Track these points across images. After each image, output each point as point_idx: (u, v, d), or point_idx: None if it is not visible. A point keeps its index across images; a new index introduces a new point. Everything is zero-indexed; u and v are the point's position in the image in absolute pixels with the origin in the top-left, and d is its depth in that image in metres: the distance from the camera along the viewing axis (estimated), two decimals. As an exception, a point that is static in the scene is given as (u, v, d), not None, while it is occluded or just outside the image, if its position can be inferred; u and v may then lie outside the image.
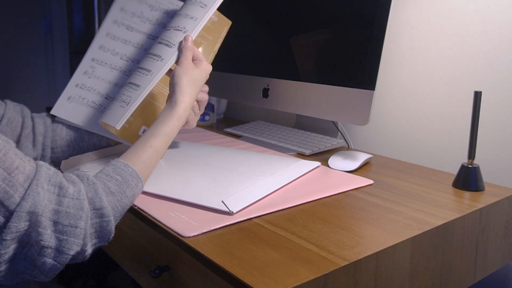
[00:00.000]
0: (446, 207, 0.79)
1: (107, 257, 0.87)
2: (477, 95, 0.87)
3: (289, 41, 1.16)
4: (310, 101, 1.10)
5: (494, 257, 0.86)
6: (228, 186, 0.81)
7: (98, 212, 0.63)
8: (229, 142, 1.19)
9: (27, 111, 0.96)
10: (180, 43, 0.87)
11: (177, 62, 0.87)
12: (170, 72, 0.86)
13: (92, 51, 1.04)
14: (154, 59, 0.88)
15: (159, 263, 0.69)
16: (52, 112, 1.00)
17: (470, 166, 0.89)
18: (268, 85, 1.21)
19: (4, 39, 2.78)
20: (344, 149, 1.17)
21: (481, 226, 0.81)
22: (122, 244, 0.81)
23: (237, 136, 1.28)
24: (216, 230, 0.67)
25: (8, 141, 0.60)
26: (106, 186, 0.66)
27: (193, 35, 0.89)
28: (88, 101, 1.01)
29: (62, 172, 0.85)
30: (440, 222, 0.73)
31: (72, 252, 0.60)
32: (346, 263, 0.59)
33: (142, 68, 0.89)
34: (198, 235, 0.65)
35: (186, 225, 0.68)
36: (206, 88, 0.91)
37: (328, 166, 1.00)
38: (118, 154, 0.93)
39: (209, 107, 1.46)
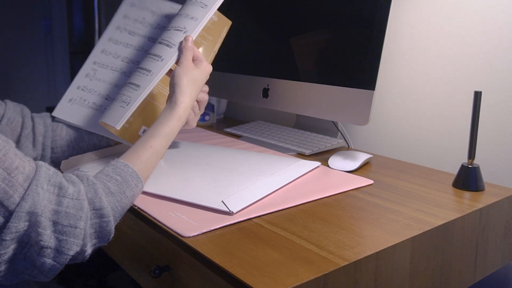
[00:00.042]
0: (446, 207, 0.79)
1: (107, 257, 0.87)
2: (477, 95, 0.87)
3: (289, 41, 1.16)
4: (310, 101, 1.10)
5: (494, 257, 0.86)
6: (228, 186, 0.81)
7: (98, 213, 0.63)
8: (229, 142, 1.19)
9: (27, 111, 0.97)
10: (181, 43, 0.87)
11: (177, 62, 0.87)
12: (171, 72, 0.86)
13: (94, 55, 1.06)
14: (154, 59, 0.88)
15: (159, 263, 0.69)
16: (54, 114, 1.01)
17: (470, 166, 0.89)
18: (268, 85, 1.21)
19: (4, 39, 2.78)
20: (344, 149, 1.17)
21: (481, 226, 0.81)
22: (122, 244, 0.81)
23: (237, 136, 1.28)
24: (216, 230, 0.67)
25: (8, 141, 0.60)
26: (106, 186, 0.66)
27: (194, 36, 0.89)
28: (89, 103, 1.01)
29: (62, 172, 0.85)
30: (440, 222, 0.73)
31: (71, 253, 0.60)
32: (346, 263, 0.59)
33: (142, 68, 0.89)
34: (198, 235, 0.65)
35: (186, 225, 0.68)
36: (206, 88, 0.91)
37: (328, 166, 1.00)
38: (118, 154, 0.93)
39: (209, 107, 1.46)
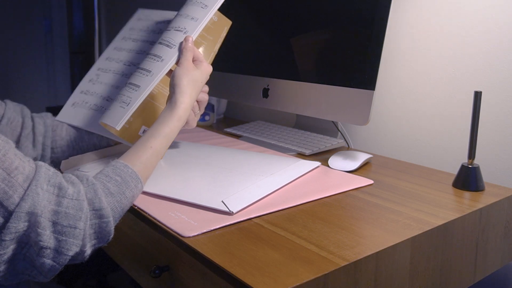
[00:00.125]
0: (446, 207, 0.79)
1: (107, 257, 0.87)
2: (477, 95, 0.87)
3: (289, 41, 1.16)
4: (310, 101, 1.10)
5: (494, 257, 0.86)
6: (228, 186, 0.81)
7: (98, 213, 0.63)
8: (229, 142, 1.19)
9: (27, 111, 0.97)
10: (181, 43, 0.87)
11: (177, 62, 0.87)
12: (171, 73, 0.86)
13: (99, 62, 1.11)
14: (155, 59, 0.88)
15: (159, 263, 0.69)
16: (57, 118, 1.02)
17: (470, 166, 0.89)
18: (268, 85, 1.21)
19: (4, 39, 2.78)
20: (344, 149, 1.17)
21: (481, 226, 0.81)
22: (122, 244, 0.81)
23: (237, 136, 1.28)
24: (216, 230, 0.67)
25: (8, 141, 0.60)
26: (105, 187, 0.66)
27: (194, 36, 0.89)
28: (90, 105, 1.02)
29: (62, 172, 0.85)
30: (440, 222, 0.73)
31: (71, 253, 0.60)
32: (346, 263, 0.59)
33: (142, 69, 0.89)
34: (198, 235, 0.65)
35: (186, 225, 0.68)
36: (206, 88, 0.91)
37: (328, 166, 1.00)
38: (118, 154, 0.93)
39: (209, 107, 1.46)
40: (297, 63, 1.15)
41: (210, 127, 1.42)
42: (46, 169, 0.62)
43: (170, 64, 0.87)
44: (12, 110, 0.93)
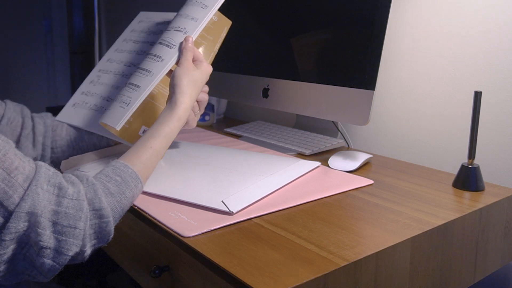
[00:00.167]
0: (446, 207, 0.79)
1: (107, 257, 0.87)
2: (477, 95, 0.87)
3: (289, 41, 1.16)
4: (310, 101, 1.10)
5: (494, 257, 0.86)
6: (228, 186, 0.81)
7: (98, 213, 0.63)
8: (229, 142, 1.19)
9: (27, 111, 0.97)
10: (181, 44, 0.87)
11: (177, 63, 0.87)
12: (171, 73, 0.86)
13: (100, 64, 1.12)
14: (155, 59, 0.88)
15: (159, 263, 0.69)
16: (57, 118, 1.02)
17: (470, 166, 0.89)
18: (268, 85, 1.21)
19: (4, 39, 2.78)
20: (344, 149, 1.17)
21: (481, 226, 0.81)
22: (122, 244, 0.81)
23: (237, 136, 1.28)
24: (216, 230, 0.67)
25: (8, 141, 0.60)
26: (105, 187, 0.66)
27: (194, 36, 0.89)
28: (90, 105, 1.03)
29: (62, 172, 0.85)
30: (440, 222, 0.73)
31: (71, 253, 0.60)
32: (346, 263, 0.59)
33: (142, 69, 0.89)
34: (198, 235, 0.65)
35: (186, 225, 0.68)
36: (206, 88, 0.91)
37: (328, 166, 1.00)
38: (118, 154, 0.93)
39: (209, 107, 1.46)
40: (297, 63, 1.15)
41: (210, 127, 1.42)
42: (46, 169, 0.62)
43: (170, 64, 0.87)
44: (12, 110, 0.93)
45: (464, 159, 0.95)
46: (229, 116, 1.65)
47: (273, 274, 0.55)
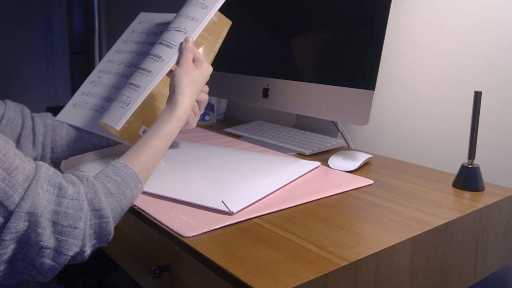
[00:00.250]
0: (446, 207, 0.79)
1: (107, 257, 0.87)
2: (477, 95, 0.87)
3: (289, 41, 1.16)
4: (310, 101, 1.10)
5: (494, 257, 0.86)
6: (228, 186, 0.81)
7: (97, 213, 0.63)
8: (229, 142, 1.19)
9: (27, 111, 0.97)
10: (181, 44, 0.87)
11: (177, 63, 0.87)
12: (171, 73, 0.86)
13: (101, 65, 1.12)
14: (155, 59, 0.88)
15: (159, 263, 0.69)
16: (57, 118, 1.02)
17: (470, 166, 0.89)
18: (268, 85, 1.21)
19: (4, 39, 2.78)
20: (344, 149, 1.17)
21: (481, 226, 0.81)
22: (122, 244, 0.81)
23: (237, 136, 1.28)
24: (216, 230, 0.67)
25: (8, 141, 0.60)
26: (105, 187, 0.66)
27: (194, 36, 0.89)
28: (90, 105, 1.03)
29: (62, 172, 0.85)
30: (440, 222, 0.73)
31: (71, 253, 0.60)
32: (346, 263, 0.59)
33: (142, 69, 0.89)
34: (198, 235, 0.65)
35: (186, 225, 0.68)
36: (206, 88, 0.91)
37: (328, 166, 1.00)
38: (118, 154, 0.93)
39: (209, 107, 1.46)
40: (297, 63, 1.15)
41: (210, 127, 1.42)
42: (46, 169, 0.62)
43: (170, 64, 0.87)
44: (12, 110, 0.93)
45: (464, 159, 0.95)
46: (229, 116, 1.65)
47: (273, 274, 0.55)
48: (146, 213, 0.73)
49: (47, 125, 0.97)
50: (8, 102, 0.95)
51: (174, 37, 0.89)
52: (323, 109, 1.07)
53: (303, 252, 0.61)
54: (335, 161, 1.00)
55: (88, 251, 0.63)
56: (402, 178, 0.95)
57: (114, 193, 0.67)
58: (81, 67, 2.62)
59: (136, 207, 0.75)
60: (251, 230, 0.68)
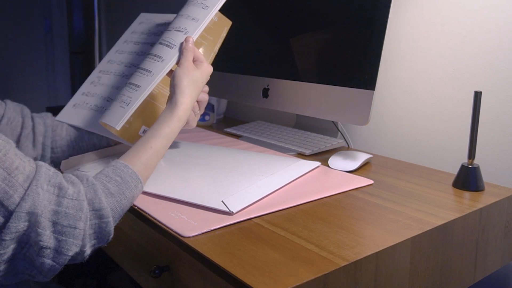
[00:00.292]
0: (446, 207, 0.79)
1: (107, 257, 0.87)
2: (477, 95, 0.87)
3: (289, 41, 1.16)
4: (310, 101, 1.10)
5: (494, 257, 0.86)
6: (228, 186, 0.81)
7: (97, 213, 0.63)
8: (229, 142, 1.19)
9: (27, 111, 0.97)
10: (181, 44, 0.87)
11: (178, 63, 0.87)
12: (171, 73, 0.86)
13: (101, 65, 1.12)
14: (155, 59, 0.88)
15: (159, 263, 0.69)
16: (57, 118, 1.02)
17: (470, 166, 0.89)
18: (268, 85, 1.21)
19: (4, 39, 2.78)
20: (344, 149, 1.17)
21: (481, 226, 0.81)
22: (122, 244, 0.81)
23: (237, 136, 1.28)
24: (216, 230, 0.67)
25: (8, 141, 0.60)
26: (105, 187, 0.66)
27: (194, 37, 0.89)
28: (91, 105, 1.03)
29: (62, 172, 0.85)
30: (440, 222, 0.73)
31: (71, 253, 0.60)
32: (346, 263, 0.59)
33: (142, 69, 0.89)
34: (198, 235, 0.65)
35: (186, 225, 0.68)
36: (206, 88, 0.91)
37: (328, 166, 1.00)
38: (118, 154, 0.93)
39: (209, 107, 1.46)
40: (297, 63, 1.15)
41: (210, 127, 1.42)
42: (46, 169, 0.62)
43: (171, 64, 0.87)
44: (12, 110, 0.93)
45: (464, 159, 0.95)
46: (229, 116, 1.65)
47: (273, 274, 0.55)
48: (146, 213, 0.73)
49: (47, 125, 0.97)
50: (8, 102, 0.95)
51: (175, 37, 0.89)
52: (323, 109, 1.07)
53: (303, 252, 0.61)
54: (335, 161, 1.00)
55: (88, 251, 0.63)
56: (402, 178, 0.95)
57: (114, 193, 0.67)
58: (81, 67, 2.62)
59: (136, 207, 0.75)
60: (251, 230, 0.68)
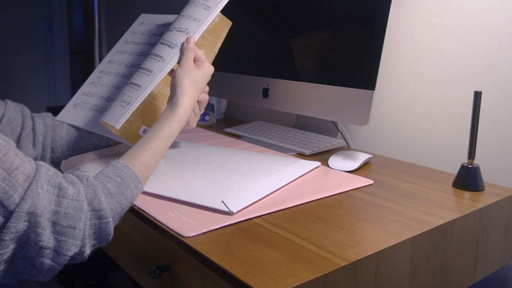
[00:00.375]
0: (446, 207, 0.79)
1: (107, 257, 0.87)
2: (477, 95, 0.87)
3: (289, 41, 1.16)
4: (310, 101, 1.10)
5: (494, 257, 0.86)
6: (228, 186, 0.81)
7: (97, 214, 0.63)
8: (229, 142, 1.19)
9: (27, 111, 0.97)
10: (182, 44, 0.87)
11: (179, 63, 0.87)
12: (172, 73, 0.86)
13: (101, 65, 1.12)
14: (156, 59, 0.88)
15: (159, 263, 0.69)
16: (57, 118, 1.02)
17: (470, 166, 0.89)
18: (268, 85, 1.21)
19: (4, 39, 2.78)
20: (344, 149, 1.17)
21: (481, 226, 0.81)
22: (122, 244, 0.81)
23: (237, 136, 1.28)
24: (216, 230, 0.67)
25: (9, 141, 0.60)
26: (105, 187, 0.66)
27: (195, 37, 0.89)
28: (91, 105, 1.03)
29: (62, 172, 0.85)
30: (440, 222, 0.73)
31: (70, 253, 0.60)
32: (346, 263, 0.59)
33: (143, 68, 0.89)
34: (198, 235, 0.65)
35: (186, 225, 0.68)
36: (207, 88, 0.91)
37: (328, 166, 1.00)
38: (118, 154, 0.93)
39: (209, 107, 1.46)
40: (297, 63, 1.15)
41: (210, 127, 1.42)
42: (46, 169, 0.62)
43: (172, 64, 0.87)
44: (12, 110, 0.93)
45: (464, 159, 0.95)
46: (229, 116, 1.65)
47: (273, 274, 0.55)
48: (146, 213, 0.73)
49: (47, 125, 0.97)
50: (8, 102, 0.95)
51: (176, 37, 0.89)
52: (323, 109, 1.07)
53: (303, 252, 0.61)
54: (335, 161, 1.00)
55: (87, 251, 0.63)
56: (402, 178, 0.95)
57: (114, 194, 0.67)
58: (81, 67, 2.62)
59: (136, 207, 0.75)
60: (251, 230, 0.68)
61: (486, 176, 0.98)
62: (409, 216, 0.75)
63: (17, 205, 0.57)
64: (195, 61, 0.86)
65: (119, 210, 0.67)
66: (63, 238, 0.59)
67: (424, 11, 1.11)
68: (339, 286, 0.58)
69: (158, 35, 1.08)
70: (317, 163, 0.97)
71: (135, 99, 0.87)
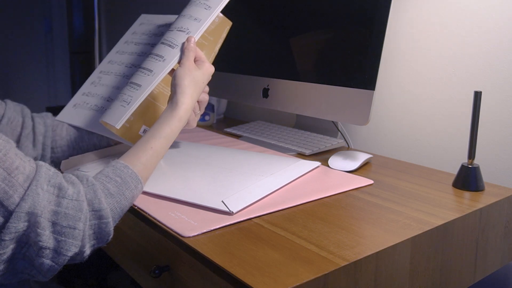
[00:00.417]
0: (446, 207, 0.79)
1: (107, 257, 0.87)
2: (477, 95, 0.87)
3: (289, 41, 1.16)
4: (310, 101, 1.10)
5: (494, 257, 0.86)
6: (228, 186, 0.81)
7: (97, 214, 0.63)
8: (229, 142, 1.19)
9: (27, 111, 0.97)
10: (183, 44, 0.87)
11: (179, 62, 0.87)
12: (172, 72, 0.86)
13: (101, 65, 1.12)
14: (156, 59, 0.88)
15: (159, 263, 0.69)
16: (57, 118, 1.02)
17: (470, 166, 0.89)
18: (268, 85, 1.21)
19: (4, 39, 2.78)
20: (344, 149, 1.17)
21: (481, 226, 0.81)
22: (122, 244, 0.81)
23: (237, 136, 1.28)
24: (216, 230, 0.67)
25: (9, 141, 0.60)
26: (105, 187, 0.66)
27: (196, 37, 0.89)
28: (91, 105, 1.03)
29: (62, 172, 0.85)
30: (440, 222, 0.73)
31: (70, 253, 0.60)
32: (346, 263, 0.59)
33: (144, 68, 0.89)
34: (198, 235, 0.65)
35: (186, 225, 0.68)
36: (207, 88, 0.91)
37: (328, 166, 1.00)
38: (118, 154, 0.93)
39: (209, 107, 1.46)
40: (297, 63, 1.15)
41: (210, 127, 1.42)
42: (46, 169, 0.62)
43: (172, 64, 0.87)
44: (12, 110, 0.93)
45: (464, 159, 0.95)
46: (229, 116, 1.65)
47: (273, 274, 0.55)
48: (146, 213, 0.73)
49: (47, 125, 0.97)
50: (8, 102, 0.95)
51: (177, 37, 0.89)
52: (323, 109, 1.07)
53: (303, 252, 0.61)
54: (335, 161, 1.00)
55: (87, 251, 0.63)
56: (402, 178, 0.95)
57: (114, 194, 0.67)
58: (81, 67, 2.62)
59: (136, 207, 0.75)
60: (251, 230, 0.68)
61: (486, 176, 0.98)
62: (409, 216, 0.75)
63: (17, 205, 0.57)
64: (195, 61, 0.86)
65: (119, 210, 0.67)
66: (63, 238, 0.59)
67: (424, 11, 1.11)
68: (339, 286, 0.58)
69: (158, 35, 1.08)
70: (317, 163, 0.97)
71: (135, 98, 0.87)
